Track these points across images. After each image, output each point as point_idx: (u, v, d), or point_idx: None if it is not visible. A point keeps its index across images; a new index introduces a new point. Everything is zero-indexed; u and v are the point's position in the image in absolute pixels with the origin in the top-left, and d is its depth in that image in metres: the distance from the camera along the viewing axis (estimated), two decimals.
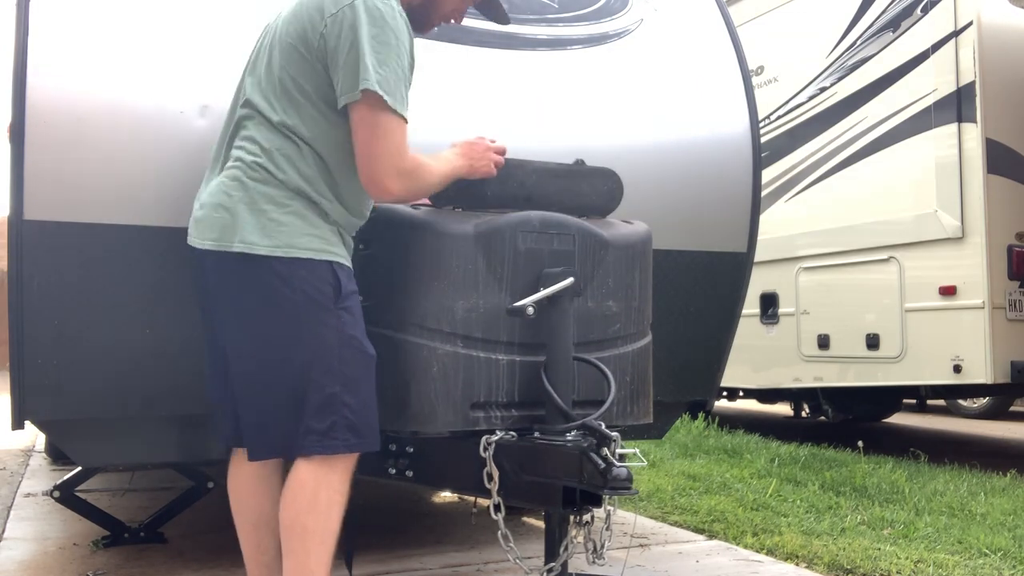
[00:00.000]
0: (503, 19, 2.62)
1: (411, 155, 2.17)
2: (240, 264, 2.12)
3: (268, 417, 2.13)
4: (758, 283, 5.69)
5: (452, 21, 2.51)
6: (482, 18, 3.03)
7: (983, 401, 9.39)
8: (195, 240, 2.20)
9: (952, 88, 5.68)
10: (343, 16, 2.11)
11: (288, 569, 2.12)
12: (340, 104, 2.13)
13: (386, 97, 2.09)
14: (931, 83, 5.81)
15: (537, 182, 2.46)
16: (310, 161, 2.16)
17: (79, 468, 3.34)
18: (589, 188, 2.56)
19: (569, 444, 2.11)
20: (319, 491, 2.10)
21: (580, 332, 2.36)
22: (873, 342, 6.05)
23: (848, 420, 8.27)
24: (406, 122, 2.16)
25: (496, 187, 2.41)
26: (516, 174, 2.45)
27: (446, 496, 4.56)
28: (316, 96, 2.17)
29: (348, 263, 2.21)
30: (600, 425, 2.10)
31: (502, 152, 2.42)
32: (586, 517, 2.22)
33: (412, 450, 2.46)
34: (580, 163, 2.59)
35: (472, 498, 3.53)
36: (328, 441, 2.09)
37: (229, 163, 2.20)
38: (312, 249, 2.12)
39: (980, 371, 5.47)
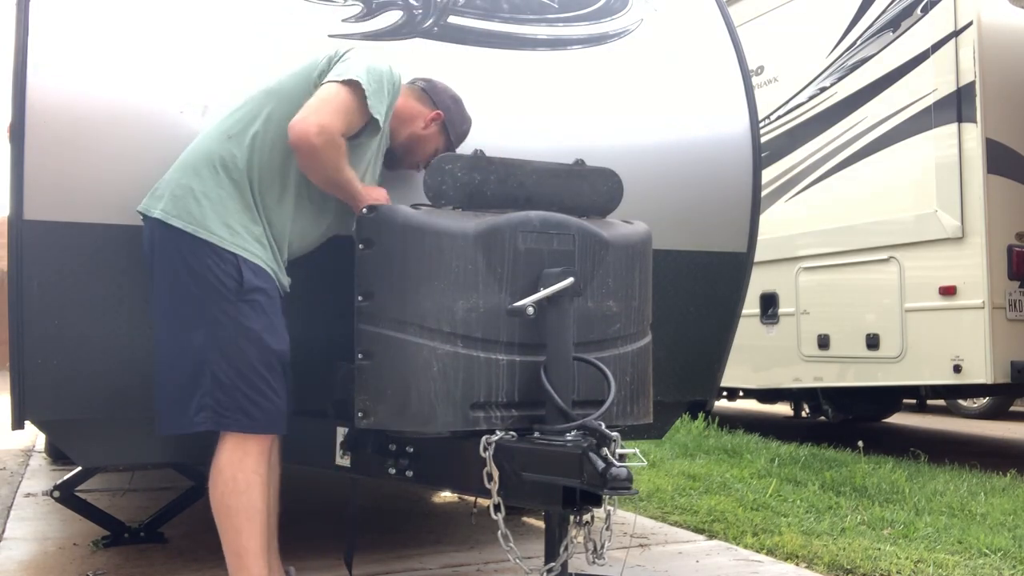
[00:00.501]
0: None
1: (344, 141, 2.36)
2: (156, 230, 2.36)
3: (170, 392, 2.33)
4: (758, 283, 5.69)
5: (419, 168, 2.70)
6: (483, 18, 3.05)
7: (983, 401, 9.39)
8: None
9: (952, 88, 5.68)
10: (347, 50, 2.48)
11: (224, 546, 2.32)
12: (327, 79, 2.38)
13: (366, 87, 2.34)
14: (931, 83, 5.80)
15: (537, 182, 2.47)
16: (257, 175, 2.40)
17: (79, 468, 3.34)
18: (589, 188, 2.56)
19: (569, 444, 2.11)
20: (236, 474, 2.31)
21: (580, 332, 2.36)
22: (873, 342, 6.05)
23: (848, 420, 8.27)
24: (369, 125, 2.40)
25: (496, 187, 2.41)
26: (516, 174, 2.45)
27: (446, 496, 4.56)
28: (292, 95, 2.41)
29: (261, 263, 2.37)
30: (600, 425, 2.10)
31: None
32: (586, 517, 2.22)
33: (412, 450, 2.45)
34: (580, 163, 2.59)
35: (472, 498, 3.53)
36: (219, 419, 2.29)
37: (184, 154, 2.46)
38: (219, 236, 2.32)
39: (980, 371, 5.47)
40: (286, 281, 2.49)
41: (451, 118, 2.68)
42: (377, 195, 2.52)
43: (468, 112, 2.74)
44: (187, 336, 2.32)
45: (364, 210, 2.37)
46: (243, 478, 2.31)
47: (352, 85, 2.35)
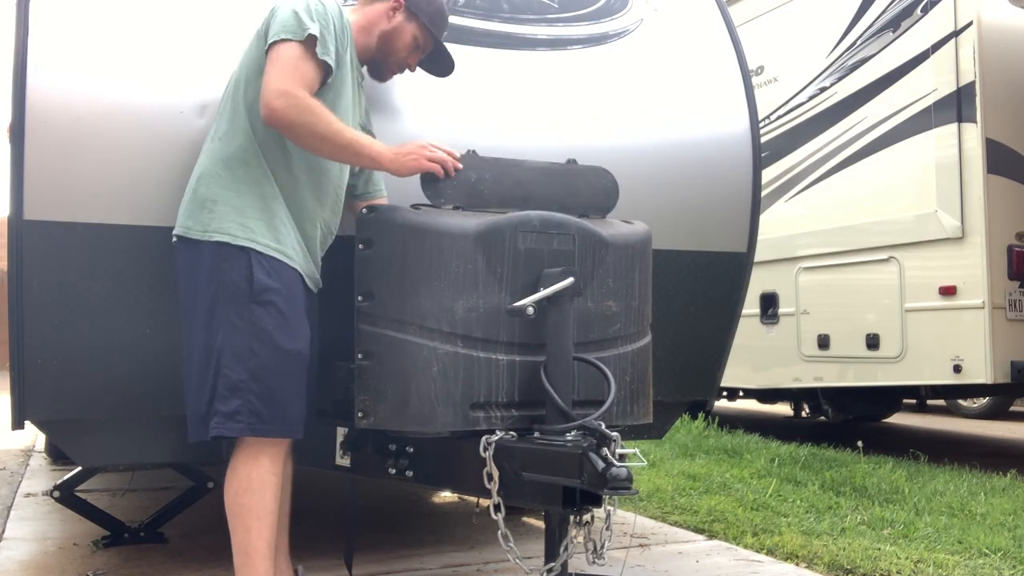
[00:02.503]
0: (447, 70, 2.76)
1: (309, 95, 2.30)
2: (179, 249, 2.39)
3: (194, 401, 2.34)
4: (758, 283, 5.69)
5: (407, 71, 2.69)
6: (483, 18, 3.05)
7: (983, 401, 9.39)
8: None
9: (952, 88, 5.67)
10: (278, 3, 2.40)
11: (233, 544, 2.32)
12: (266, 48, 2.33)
13: (288, 35, 2.30)
14: (931, 83, 5.80)
15: (532, 180, 2.47)
16: (259, 154, 2.37)
17: (79, 468, 3.34)
18: (585, 185, 2.56)
19: (569, 444, 2.11)
20: (251, 473, 2.30)
21: (580, 332, 2.36)
22: (873, 342, 6.05)
23: (848, 420, 8.27)
24: (321, 69, 2.34)
25: (492, 186, 2.42)
26: (512, 172, 2.46)
27: (446, 496, 4.56)
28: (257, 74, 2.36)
29: (277, 254, 2.35)
30: (600, 425, 2.10)
31: (447, 156, 2.42)
32: (586, 517, 2.22)
33: (412, 450, 2.46)
34: (572, 163, 2.60)
35: (474, 498, 3.53)
36: (231, 423, 2.28)
37: (195, 170, 2.43)
38: (231, 235, 2.31)
39: (980, 371, 5.46)
40: (314, 272, 2.47)
41: (413, 0, 2.59)
42: (406, 150, 2.39)
43: None
44: (207, 345, 2.31)
45: (364, 210, 2.37)
46: (257, 477, 2.31)
47: (288, 41, 2.30)
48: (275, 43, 2.31)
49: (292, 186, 2.41)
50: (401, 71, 2.69)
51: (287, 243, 2.38)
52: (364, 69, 2.67)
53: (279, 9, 2.36)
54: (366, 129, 2.69)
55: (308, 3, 2.35)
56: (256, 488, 2.31)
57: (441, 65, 2.75)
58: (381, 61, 2.65)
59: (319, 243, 2.50)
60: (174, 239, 2.40)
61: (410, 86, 2.87)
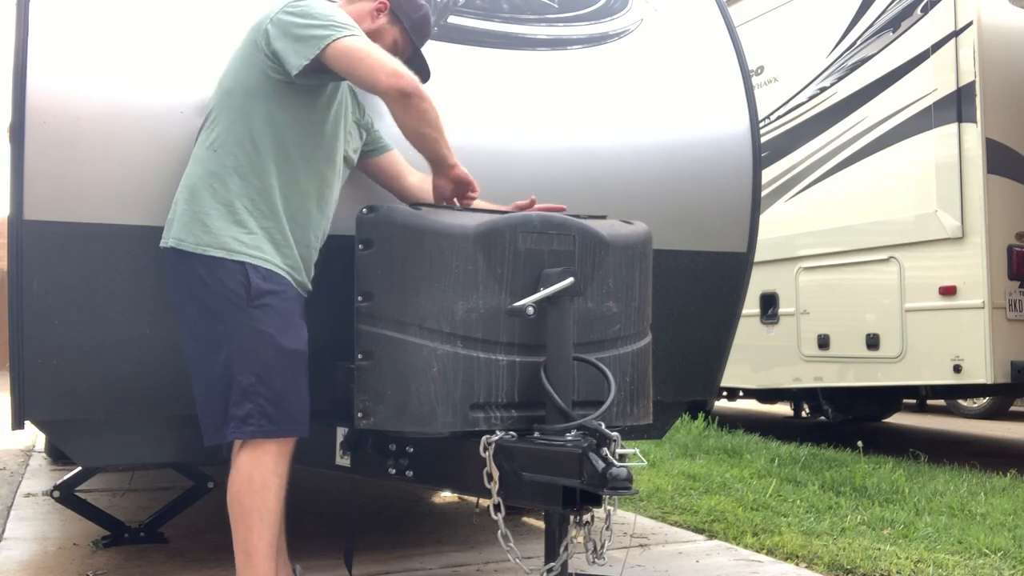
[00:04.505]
0: (422, 79, 2.56)
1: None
2: (172, 259, 2.38)
3: (207, 408, 2.37)
4: (758, 283, 5.69)
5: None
6: (483, 18, 3.05)
7: (983, 401, 9.39)
8: None
9: (952, 88, 5.68)
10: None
11: (235, 544, 2.33)
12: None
13: (341, 32, 2.31)
14: (931, 83, 5.80)
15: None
16: (261, 167, 2.37)
17: (79, 468, 3.34)
18: None
19: (569, 444, 2.11)
20: (253, 473, 2.31)
21: (580, 333, 2.36)
22: (873, 342, 6.05)
23: (848, 420, 8.27)
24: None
25: None
26: None
27: (446, 496, 4.56)
28: (258, 88, 2.38)
29: (271, 266, 2.36)
30: (600, 425, 2.10)
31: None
32: (586, 517, 2.22)
33: (412, 450, 2.45)
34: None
35: (474, 498, 3.53)
36: (244, 427, 2.30)
37: (182, 180, 2.43)
38: (226, 249, 2.33)
39: (980, 371, 5.47)
40: (304, 279, 2.46)
41: (398, 3, 2.59)
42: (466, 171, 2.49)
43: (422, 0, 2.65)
44: (213, 354, 2.32)
45: (364, 210, 2.37)
46: (259, 477, 2.31)
47: (348, 36, 2.31)
48: (334, 42, 2.28)
49: (299, 197, 2.42)
50: None
51: (283, 256, 2.38)
52: None
53: (302, 15, 2.32)
54: (361, 126, 2.69)
55: (316, 8, 2.34)
56: (258, 488, 2.31)
57: (416, 73, 2.50)
58: None
59: (316, 251, 2.51)
60: (165, 248, 2.39)
61: None
